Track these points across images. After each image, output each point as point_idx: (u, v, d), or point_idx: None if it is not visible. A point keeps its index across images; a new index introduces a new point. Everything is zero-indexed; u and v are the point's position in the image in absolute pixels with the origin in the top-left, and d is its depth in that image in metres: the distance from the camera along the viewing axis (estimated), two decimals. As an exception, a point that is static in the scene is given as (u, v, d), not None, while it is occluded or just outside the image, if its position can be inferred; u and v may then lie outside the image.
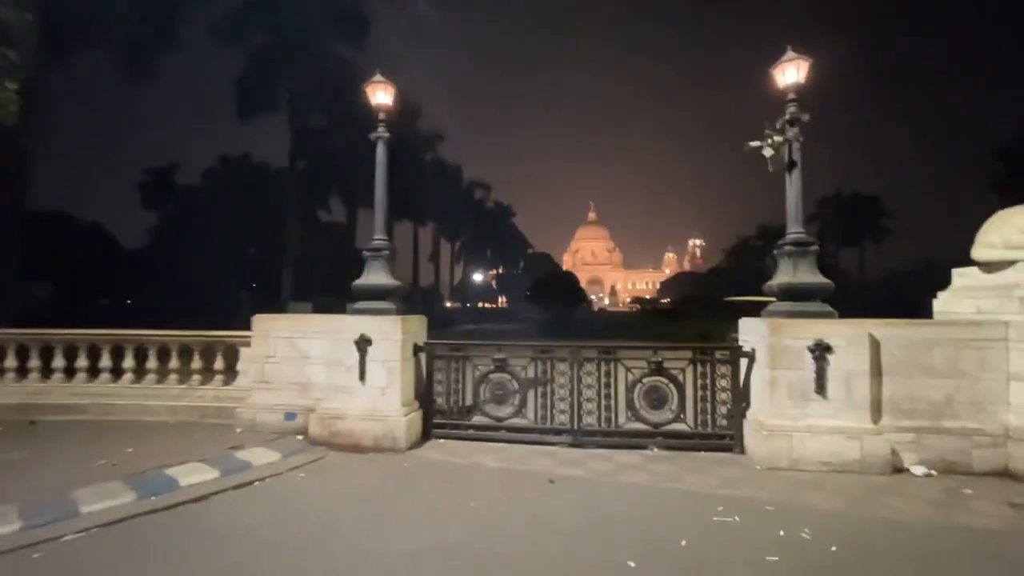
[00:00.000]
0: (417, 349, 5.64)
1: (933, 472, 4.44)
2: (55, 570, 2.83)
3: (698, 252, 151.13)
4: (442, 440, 5.48)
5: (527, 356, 5.52)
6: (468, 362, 5.62)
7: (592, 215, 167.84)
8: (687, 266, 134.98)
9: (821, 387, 4.62)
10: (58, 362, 6.37)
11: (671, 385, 5.25)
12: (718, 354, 5.27)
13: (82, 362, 6.33)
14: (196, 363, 6.17)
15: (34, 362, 6.41)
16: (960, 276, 5.36)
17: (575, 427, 5.31)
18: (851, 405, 4.59)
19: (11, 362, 6.39)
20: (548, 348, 5.53)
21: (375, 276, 5.63)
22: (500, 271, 68.06)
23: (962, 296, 5.19)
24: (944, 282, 5.52)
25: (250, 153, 32.55)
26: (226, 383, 6.10)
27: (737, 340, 5.51)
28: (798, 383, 4.67)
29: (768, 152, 5.26)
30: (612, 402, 5.32)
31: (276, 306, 19.31)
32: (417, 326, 5.76)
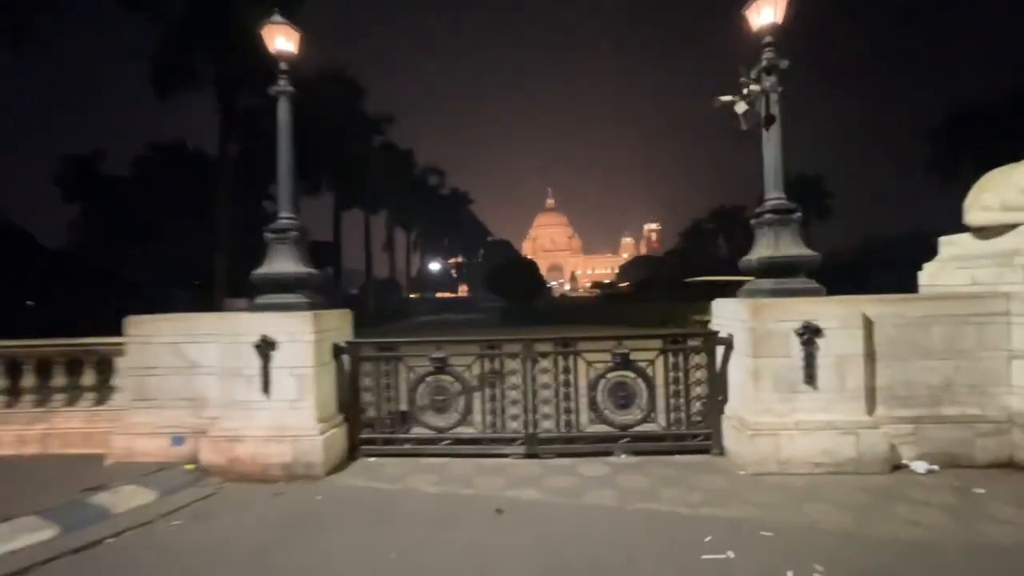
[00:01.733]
0: (339, 351, 4.66)
1: (935, 467, 3.89)
2: None
3: (654, 236, 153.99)
4: (372, 459, 4.55)
5: (472, 353, 4.64)
6: (401, 363, 4.70)
7: (550, 201, 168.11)
8: (644, 250, 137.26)
9: (811, 376, 3.98)
10: None
11: (639, 380, 4.51)
12: (691, 342, 4.56)
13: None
14: (59, 379, 4.94)
15: None
16: (949, 244, 4.85)
17: (530, 434, 4.50)
18: (844, 395, 3.98)
19: None
20: (496, 343, 4.66)
21: (281, 263, 4.58)
22: (460, 260, 66.70)
23: (953, 266, 4.68)
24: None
25: (184, 140, 29.87)
26: (99, 403, 4.91)
27: (708, 324, 4.85)
28: (784, 373, 4.01)
29: (741, 108, 4.54)
30: (572, 403, 4.54)
31: (212, 304, 17.62)
32: (338, 322, 4.78)
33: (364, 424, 4.68)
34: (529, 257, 65.92)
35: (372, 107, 32.16)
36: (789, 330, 4.00)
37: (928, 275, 4.94)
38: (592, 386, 4.53)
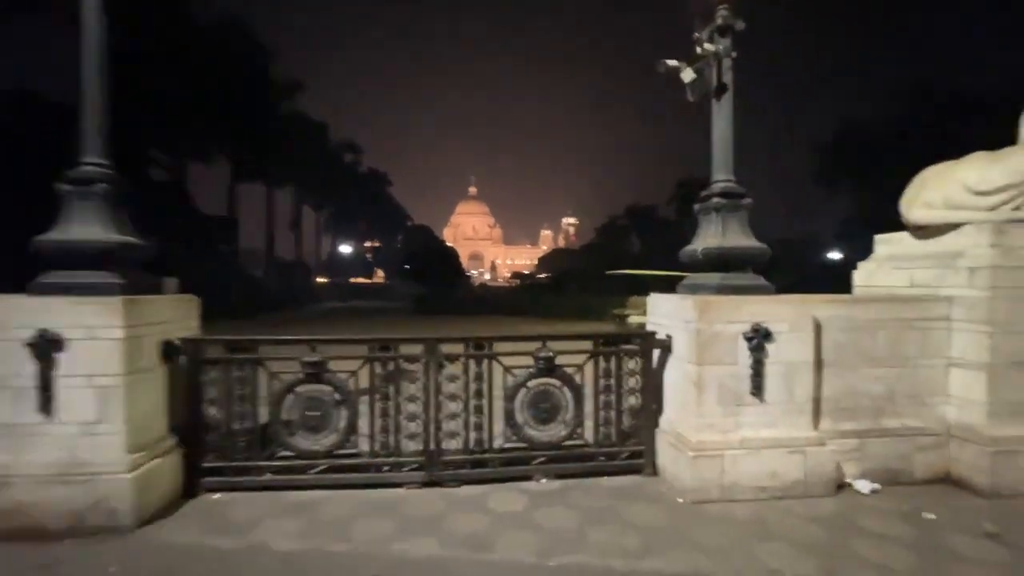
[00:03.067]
0: (171, 351, 3.43)
1: (878, 486, 3.54)
2: None
3: (572, 230, 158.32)
4: (219, 495, 3.41)
5: (360, 356, 3.63)
6: (263, 368, 3.57)
7: (473, 190, 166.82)
8: (562, 243, 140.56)
9: (758, 386, 3.46)
10: None
11: (565, 389, 3.77)
12: (626, 344, 3.90)
13: None
14: None
15: None
16: (885, 243, 4.62)
17: (431, 455, 3.61)
18: (792, 408, 3.51)
19: None
20: (391, 343, 3.69)
21: (81, 227, 3.23)
22: (377, 244, 63.46)
23: (890, 266, 4.43)
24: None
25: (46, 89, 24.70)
26: None
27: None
28: (731, 382, 3.45)
29: (688, 76, 3.91)
30: (485, 417, 3.70)
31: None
32: (171, 312, 3.53)
33: (210, 449, 3.51)
34: (450, 244, 64.48)
35: (284, 73, 29.07)
36: (738, 333, 3.45)
37: (863, 275, 4.70)
38: (510, 396, 3.72)
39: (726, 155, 3.81)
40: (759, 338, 3.43)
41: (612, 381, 3.82)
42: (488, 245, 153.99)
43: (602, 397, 3.82)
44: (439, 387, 3.65)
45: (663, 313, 3.98)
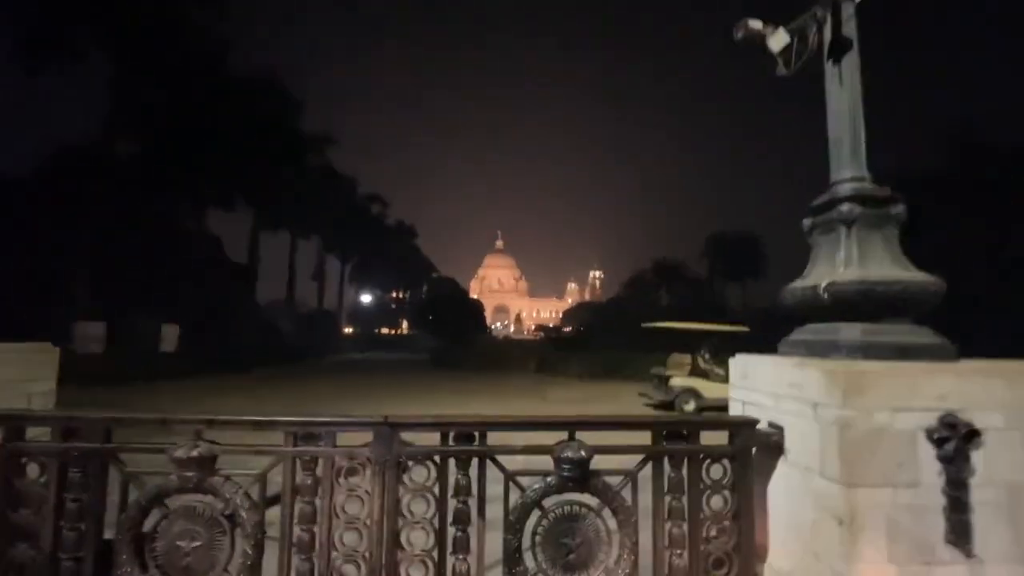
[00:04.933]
0: (-29, 435, 2.14)
1: None
2: None
3: (598, 284, 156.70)
4: None
5: (272, 449, 2.25)
6: (116, 466, 2.23)
7: (500, 243, 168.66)
8: (588, 296, 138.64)
9: (961, 528, 1.92)
10: None
11: (606, 512, 2.28)
12: (706, 430, 2.41)
13: None
14: None
15: None
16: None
17: (381, 626, 2.12)
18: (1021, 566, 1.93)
19: None
20: (315, 431, 2.29)
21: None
22: (404, 295, 63.26)
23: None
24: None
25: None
26: None
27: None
28: (906, 519, 1.92)
29: (778, 41, 2.68)
30: (473, 559, 2.22)
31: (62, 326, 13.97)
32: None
33: (19, 598, 2.13)
34: (474, 296, 63.85)
35: (314, 125, 29.76)
36: (915, 430, 1.95)
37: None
38: (515, 524, 2.24)
39: (854, 140, 2.47)
40: (957, 440, 1.93)
41: (685, 500, 2.31)
42: (513, 297, 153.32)
43: (668, 526, 2.31)
44: (397, 504, 2.22)
45: (763, 387, 2.51)
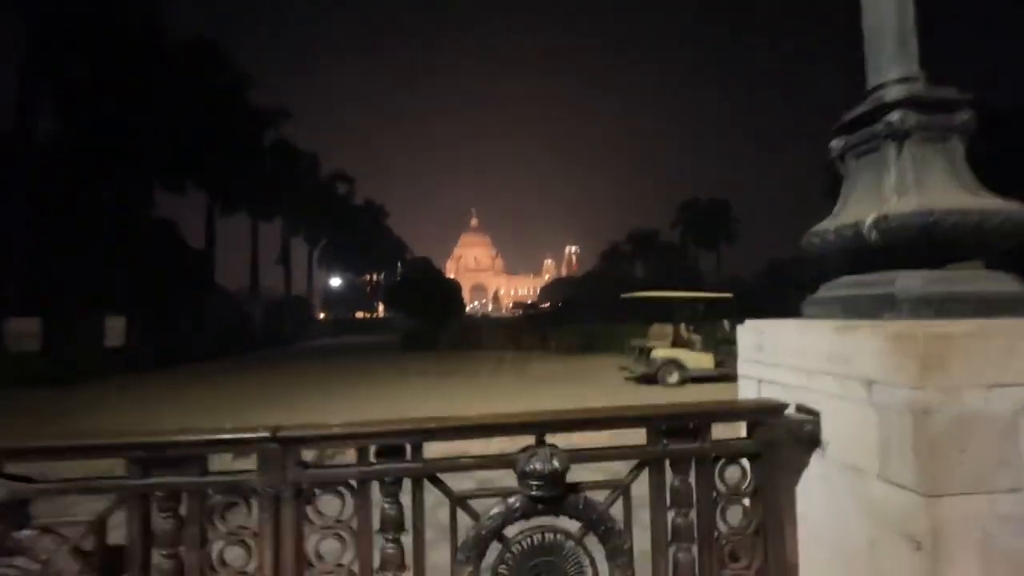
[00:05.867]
0: None
1: None
2: None
3: (575, 258, 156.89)
4: None
5: (107, 485, 1.57)
6: None
7: (474, 221, 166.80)
8: (565, 272, 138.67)
9: (1079, 546, 1.38)
10: None
11: (590, 541, 1.68)
12: (718, 422, 1.82)
13: None
14: None
15: None
16: None
17: None
18: None
19: None
20: (174, 455, 1.58)
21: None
22: (378, 278, 61.77)
23: None
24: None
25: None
26: None
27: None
28: (1010, 535, 1.38)
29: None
30: (409, 617, 1.61)
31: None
32: None
33: None
34: (451, 276, 62.90)
35: (268, 100, 27.91)
36: (1018, 411, 1.39)
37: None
38: (465, 565, 1.63)
39: (902, 25, 1.85)
40: (1076, 424, 1.37)
41: (693, 516, 1.73)
42: (490, 276, 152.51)
43: (673, 551, 1.73)
44: (300, 548, 1.58)
45: (786, 360, 1.92)
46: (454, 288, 43.90)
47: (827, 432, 1.72)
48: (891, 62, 1.85)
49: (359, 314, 57.63)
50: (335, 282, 47.31)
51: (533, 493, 1.61)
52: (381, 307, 63.60)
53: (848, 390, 1.61)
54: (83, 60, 16.01)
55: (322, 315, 48.26)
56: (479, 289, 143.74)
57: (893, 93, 1.79)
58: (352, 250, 49.99)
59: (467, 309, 62.17)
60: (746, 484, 1.76)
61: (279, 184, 29.75)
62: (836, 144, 2.00)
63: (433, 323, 28.38)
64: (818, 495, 1.74)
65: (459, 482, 1.66)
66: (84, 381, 11.87)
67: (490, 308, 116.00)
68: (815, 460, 1.76)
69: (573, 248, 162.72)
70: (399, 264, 60.68)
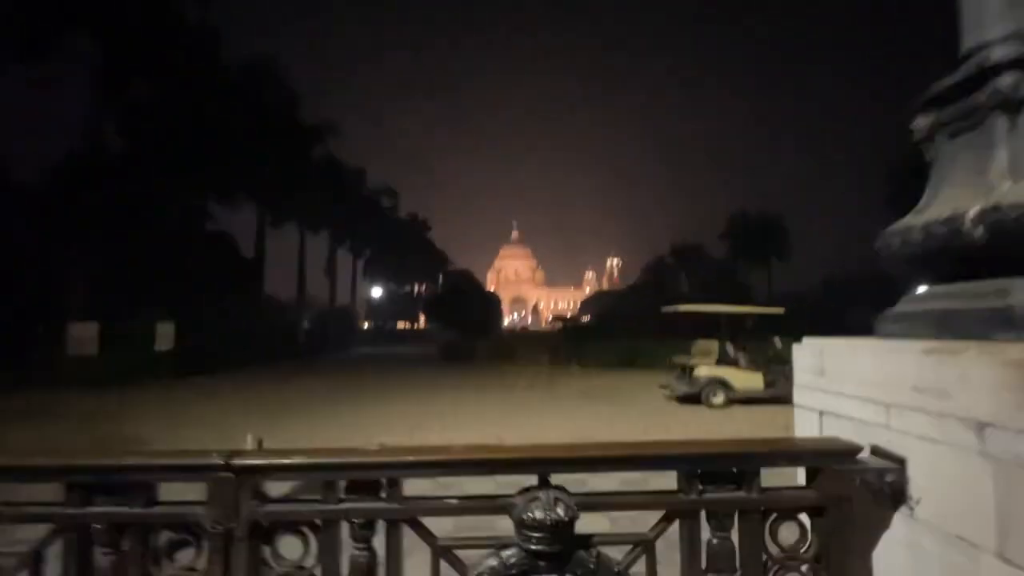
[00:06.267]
0: None
1: None
2: None
3: (616, 271, 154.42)
4: None
5: (53, 511, 1.38)
6: None
7: (515, 234, 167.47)
8: (606, 284, 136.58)
9: None
10: None
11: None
12: (768, 466, 1.46)
13: None
14: None
15: None
16: None
17: None
18: None
19: None
20: (116, 481, 1.36)
21: None
22: (420, 289, 62.89)
23: None
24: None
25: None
26: None
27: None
28: None
29: None
30: None
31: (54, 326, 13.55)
32: None
33: None
34: (491, 288, 63.16)
35: (317, 115, 29.07)
36: None
37: None
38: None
39: (1012, -24, 1.46)
40: None
41: (735, 584, 1.37)
42: (530, 288, 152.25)
43: (710, 632, 1.37)
44: (255, 602, 1.33)
45: (856, 389, 1.54)
46: (493, 301, 43.95)
47: (916, 486, 1.33)
48: (997, 15, 1.47)
49: (400, 324, 58.70)
50: (378, 292, 48.37)
51: (533, 547, 1.30)
52: (422, 317, 64.59)
53: (948, 433, 1.23)
54: (148, 81, 17.17)
55: (366, 324, 49.46)
56: (519, 302, 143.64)
57: (1001, 53, 1.41)
58: (395, 262, 51.09)
59: (506, 322, 62.16)
60: (805, 547, 1.39)
61: (327, 198, 30.78)
62: (922, 122, 1.62)
63: (471, 335, 28.35)
64: (903, 568, 1.35)
65: (442, 528, 1.38)
66: (136, 383, 12.40)
67: (529, 321, 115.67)
68: (899, 521, 1.37)
69: (615, 259, 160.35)
70: (440, 275, 61.57)
